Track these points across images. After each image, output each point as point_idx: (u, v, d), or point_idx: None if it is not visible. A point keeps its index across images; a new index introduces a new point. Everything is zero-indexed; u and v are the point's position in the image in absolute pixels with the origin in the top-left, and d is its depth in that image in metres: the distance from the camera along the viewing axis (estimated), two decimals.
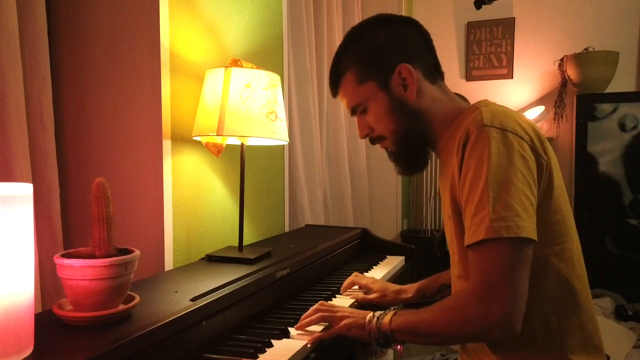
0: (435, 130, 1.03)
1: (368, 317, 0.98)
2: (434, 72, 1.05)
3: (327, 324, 1.03)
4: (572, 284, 0.92)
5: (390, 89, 1.02)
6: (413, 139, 1.04)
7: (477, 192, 0.85)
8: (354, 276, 1.35)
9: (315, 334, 1.00)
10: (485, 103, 0.98)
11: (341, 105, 2.89)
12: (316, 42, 2.59)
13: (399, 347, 1.55)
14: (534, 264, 0.87)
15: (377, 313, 0.98)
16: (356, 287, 1.34)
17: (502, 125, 0.87)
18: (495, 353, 0.94)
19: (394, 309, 0.98)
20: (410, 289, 1.29)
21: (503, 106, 0.96)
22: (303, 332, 1.02)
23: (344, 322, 1.00)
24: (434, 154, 1.10)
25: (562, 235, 0.92)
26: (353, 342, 1.02)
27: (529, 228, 0.82)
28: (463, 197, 0.89)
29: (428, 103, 1.02)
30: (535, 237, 0.83)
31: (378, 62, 1.02)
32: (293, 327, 1.04)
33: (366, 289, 1.31)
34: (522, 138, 0.87)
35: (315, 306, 1.06)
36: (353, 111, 1.09)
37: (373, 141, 1.09)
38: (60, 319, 0.82)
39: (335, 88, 1.09)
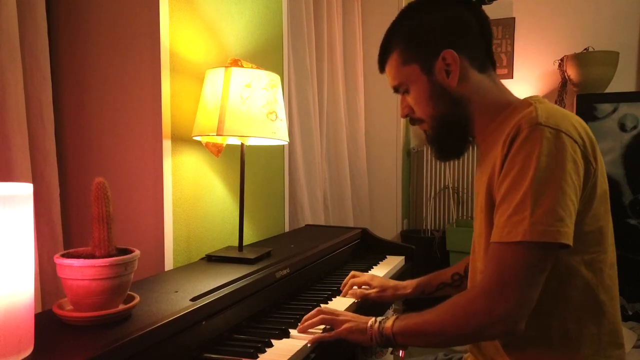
0: (477, 120, 1.00)
1: (370, 322, 0.97)
2: (485, 61, 1.01)
3: (328, 326, 1.03)
4: (598, 295, 0.90)
5: (433, 74, 0.99)
6: (451, 126, 1.02)
7: (519, 191, 0.82)
8: (352, 276, 1.35)
9: (316, 335, 0.99)
10: (538, 99, 0.93)
11: (341, 105, 2.89)
12: (316, 42, 2.59)
13: (401, 353, 1.55)
14: (562, 270, 0.86)
15: (379, 318, 0.97)
16: (355, 287, 1.33)
17: (557, 126, 0.83)
18: (508, 354, 0.93)
19: (394, 312, 0.98)
20: (409, 285, 1.29)
21: (557, 105, 0.92)
22: (304, 334, 1.02)
23: (345, 325, 0.99)
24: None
25: (595, 245, 0.90)
26: (354, 344, 1.02)
27: (568, 234, 0.80)
28: (500, 193, 0.86)
29: (472, 92, 0.99)
30: (571, 243, 0.81)
31: (423, 46, 1.00)
32: (293, 327, 1.04)
33: (365, 286, 1.31)
34: (575, 141, 0.83)
35: (318, 309, 1.06)
36: (395, 90, 1.08)
37: (413, 122, 1.08)
38: (60, 319, 0.82)
39: (382, 65, 1.09)
